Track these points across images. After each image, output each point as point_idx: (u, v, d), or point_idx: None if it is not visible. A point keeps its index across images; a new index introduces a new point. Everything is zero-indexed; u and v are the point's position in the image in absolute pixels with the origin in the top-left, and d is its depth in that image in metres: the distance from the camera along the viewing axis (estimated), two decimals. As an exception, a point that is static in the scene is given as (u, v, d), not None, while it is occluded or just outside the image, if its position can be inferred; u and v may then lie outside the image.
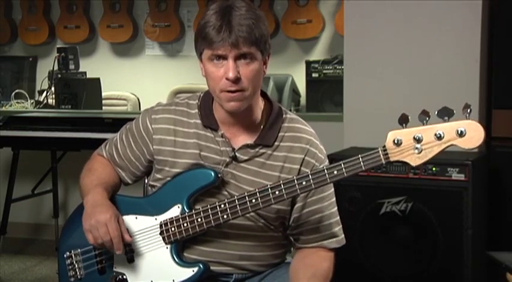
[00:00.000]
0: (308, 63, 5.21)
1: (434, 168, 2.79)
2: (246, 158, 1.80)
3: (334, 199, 1.87)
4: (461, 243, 2.74)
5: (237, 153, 1.80)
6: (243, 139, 1.81)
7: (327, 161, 1.86)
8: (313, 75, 5.14)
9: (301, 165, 1.81)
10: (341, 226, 1.89)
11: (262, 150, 1.81)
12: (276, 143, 1.81)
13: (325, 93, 5.04)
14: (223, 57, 1.69)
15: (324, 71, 5.11)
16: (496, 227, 3.08)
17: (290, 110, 4.83)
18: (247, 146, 1.80)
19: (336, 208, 1.87)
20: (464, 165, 2.75)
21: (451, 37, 3.14)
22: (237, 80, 1.69)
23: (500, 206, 3.10)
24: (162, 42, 6.11)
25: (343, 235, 1.89)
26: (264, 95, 1.87)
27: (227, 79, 1.69)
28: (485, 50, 3.17)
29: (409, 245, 2.84)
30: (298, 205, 1.82)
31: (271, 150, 1.81)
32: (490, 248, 2.96)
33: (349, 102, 3.39)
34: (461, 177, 2.75)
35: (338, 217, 1.88)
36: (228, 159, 1.80)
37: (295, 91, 5.21)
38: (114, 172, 1.96)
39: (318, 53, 5.68)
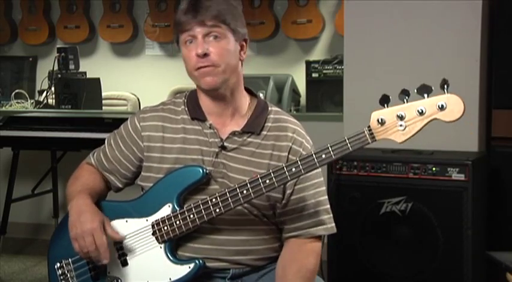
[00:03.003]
0: (308, 63, 5.20)
1: (434, 168, 2.79)
2: (234, 146, 1.83)
3: (322, 188, 1.88)
4: (461, 243, 2.74)
5: (225, 143, 1.83)
6: (230, 128, 1.85)
7: (313, 150, 1.87)
8: (313, 75, 5.13)
9: (288, 153, 1.84)
10: (331, 215, 1.89)
11: (250, 139, 1.84)
12: (263, 133, 1.85)
13: (325, 93, 5.04)
14: (194, 36, 1.77)
15: (324, 71, 5.10)
16: (496, 227, 3.08)
17: (290, 110, 4.85)
18: (234, 134, 1.83)
19: (325, 197, 1.88)
20: (464, 165, 2.75)
21: (451, 37, 3.14)
22: (205, 55, 1.75)
23: (500, 206, 3.10)
24: (162, 42, 6.10)
25: (333, 224, 1.89)
26: (249, 91, 1.92)
27: (197, 56, 1.75)
28: (485, 50, 3.17)
29: (409, 245, 2.84)
30: (288, 192, 1.84)
31: (259, 139, 1.84)
32: (490, 248, 2.96)
33: (349, 102, 3.39)
34: (461, 177, 2.75)
35: (327, 206, 1.89)
36: (217, 150, 1.82)
37: (295, 91, 5.21)
38: (100, 179, 1.96)
39: (318, 53, 5.68)
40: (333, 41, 5.62)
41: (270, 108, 1.90)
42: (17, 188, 4.03)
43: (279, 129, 1.86)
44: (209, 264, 1.81)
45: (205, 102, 1.87)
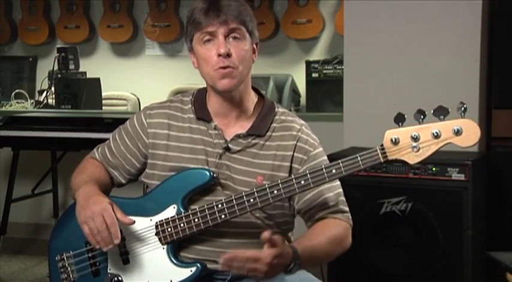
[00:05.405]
0: (308, 63, 5.20)
1: (434, 168, 2.79)
2: (238, 148, 1.83)
3: (338, 182, 1.88)
4: (461, 243, 2.74)
5: (229, 144, 1.83)
6: (235, 130, 1.85)
7: (321, 147, 1.89)
8: (313, 75, 5.14)
9: (294, 151, 1.84)
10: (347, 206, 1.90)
11: (254, 141, 1.84)
12: (268, 133, 1.85)
13: (325, 93, 5.04)
14: (214, 35, 1.75)
15: (324, 71, 5.11)
16: (496, 227, 3.08)
17: (290, 110, 4.84)
18: (238, 136, 1.83)
19: (341, 189, 1.89)
20: (464, 165, 2.75)
21: (451, 37, 3.14)
22: (228, 56, 1.74)
23: (500, 206, 3.10)
24: (162, 42, 6.10)
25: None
26: (256, 90, 1.92)
27: (219, 55, 1.74)
28: (485, 50, 3.17)
29: (409, 245, 2.84)
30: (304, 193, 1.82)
31: (263, 140, 1.84)
32: (490, 248, 2.96)
33: (349, 102, 3.39)
34: (461, 177, 2.75)
35: (343, 197, 1.90)
36: (221, 151, 1.82)
37: (295, 91, 5.21)
38: (105, 173, 1.96)
39: (318, 53, 5.68)
40: (333, 41, 5.62)
41: (276, 109, 1.90)
42: (17, 188, 4.03)
43: (284, 129, 1.86)
44: (209, 266, 1.80)
45: (212, 103, 1.87)
